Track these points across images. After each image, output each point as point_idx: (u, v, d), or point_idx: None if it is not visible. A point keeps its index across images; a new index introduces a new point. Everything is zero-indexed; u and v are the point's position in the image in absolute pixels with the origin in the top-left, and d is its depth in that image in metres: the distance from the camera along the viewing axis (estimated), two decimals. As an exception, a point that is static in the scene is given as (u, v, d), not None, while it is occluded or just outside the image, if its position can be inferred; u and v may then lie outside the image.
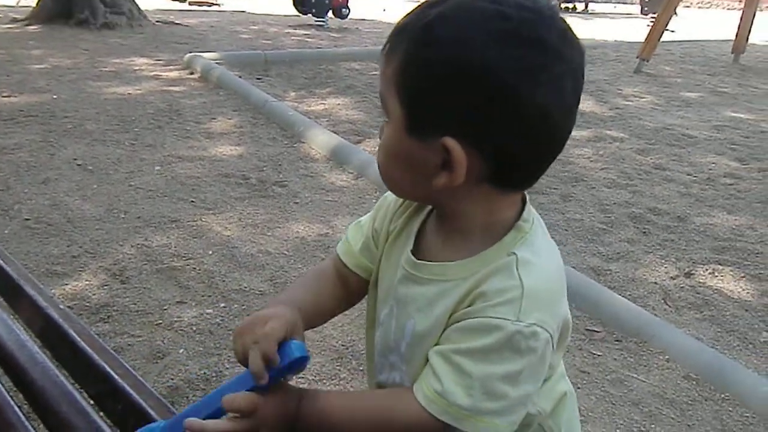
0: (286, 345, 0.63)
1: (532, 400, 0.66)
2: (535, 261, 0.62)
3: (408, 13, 0.62)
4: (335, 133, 3.80)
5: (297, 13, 9.20)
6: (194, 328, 1.93)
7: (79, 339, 0.94)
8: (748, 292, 2.37)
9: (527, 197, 0.68)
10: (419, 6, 0.61)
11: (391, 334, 0.71)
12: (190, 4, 11.50)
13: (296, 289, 0.82)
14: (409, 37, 0.59)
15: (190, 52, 5.67)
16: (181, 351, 1.82)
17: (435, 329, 0.65)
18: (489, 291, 0.60)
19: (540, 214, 2.67)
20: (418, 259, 0.68)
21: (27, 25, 7.07)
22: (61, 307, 1.04)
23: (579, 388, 1.81)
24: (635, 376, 1.87)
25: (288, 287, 0.84)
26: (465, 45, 0.56)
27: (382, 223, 0.76)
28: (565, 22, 0.60)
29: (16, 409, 0.88)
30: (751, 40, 7.94)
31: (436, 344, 0.65)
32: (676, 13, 8.79)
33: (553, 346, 0.62)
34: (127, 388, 0.84)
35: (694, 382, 1.85)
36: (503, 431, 0.61)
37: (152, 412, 0.79)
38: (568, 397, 0.76)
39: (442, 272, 0.65)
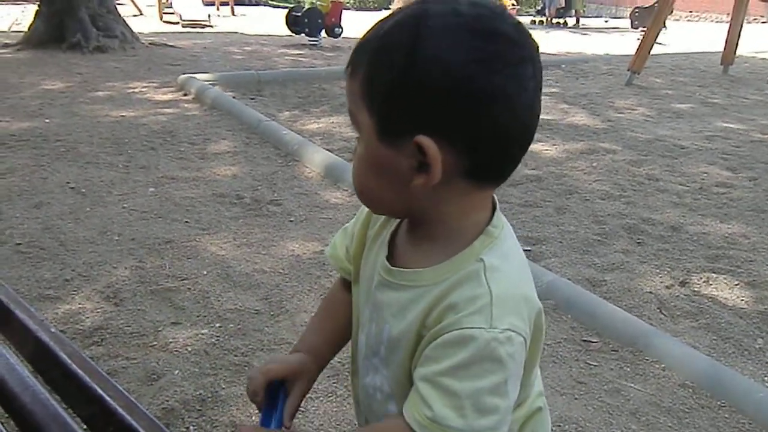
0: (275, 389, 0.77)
1: None
2: (502, 266, 0.63)
3: (366, 32, 0.64)
4: (329, 151, 3.82)
5: (290, 33, 9.31)
6: (189, 349, 1.92)
7: (70, 362, 0.94)
8: (742, 300, 2.37)
9: (497, 204, 0.69)
10: (376, 24, 0.64)
11: (373, 338, 0.73)
12: (183, 26, 11.63)
13: (308, 332, 0.87)
14: (369, 50, 0.62)
15: (184, 74, 5.71)
16: (176, 372, 1.81)
17: (408, 334, 0.66)
18: (459, 301, 0.61)
19: (535, 226, 2.69)
20: (393, 266, 0.69)
21: (19, 50, 7.11)
22: (53, 330, 1.03)
23: (576, 398, 1.80)
24: (632, 385, 1.87)
25: (305, 330, 0.89)
26: (421, 44, 0.58)
27: (363, 228, 0.78)
28: (516, 18, 0.63)
29: (7, 434, 0.87)
30: (739, 51, 8.05)
31: (409, 353, 0.66)
32: (665, 27, 8.93)
33: (527, 350, 0.63)
34: (119, 410, 0.84)
35: (691, 390, 1.85)
36: None
37: (144, 434, 0.78)
38: (542, 415, 0.76)
39: (416, 278, 0.66)
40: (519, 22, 0.62)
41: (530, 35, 0.62)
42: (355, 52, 0.64)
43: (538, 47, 0.62)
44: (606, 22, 18.21)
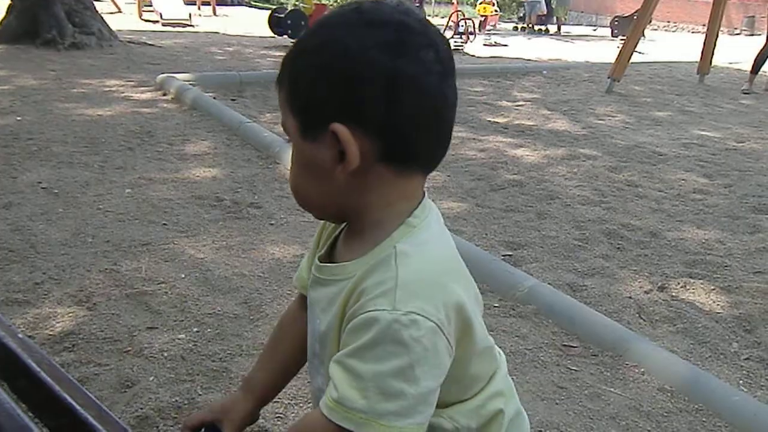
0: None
1: (450, 415, 0.68)
2: (414, 253, 0.64)
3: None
4: (311, 153, 3.79)
5: (272, 35, 9.25)
6: (165, 355, 1.87)
7: (38, 369, 0.90)
8: (718, 304, 2.41)
9: (425, 195, 0.70)
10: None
11: (310, 339, 0.74)
12: (163, 25, 11.47)
13: (255, 367, 0.93)
14: (289, 61, 0.67)
15: (163, 73, 5.62)
16: (151, 379, 1.76)
17: (332, 326, 0.67)
18: (369, 286, 0.63)
19: (516, 231, 2.68)
20: (325, 263, 0.72)
21: (-10, 45, 6.94)
22: (20, 336, 0.99)
23: (557, 403, 1.80)
24: (612, 390, 1.88)
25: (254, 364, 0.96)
26: (326, 41, 0.64)
27: (317, 238, 0.80)
28: (420, 14, 0.67)
29: (-31, 446, 0.83)
30: (714, 61, 8.25)
31: (336, 344, 0.66)
32: (644, 36, 9.10)
33: (448, 340, 0.62)
34: (90, 419, 0.80)
35: (669, 394, 1.87)
36: None
37: (116, 444, 0.75)
38: (505, 418, 0.74)
39: (340, 271, 0.68)
40: (423, 17, 0.66)
41: (435, 28, 0.66)
42: (280, 67, 0.68)
43: (444, 39, 0.66)
44: (595, 30, 18.43)
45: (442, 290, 0.63)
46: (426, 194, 0.70)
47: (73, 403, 0.83)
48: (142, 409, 1.64)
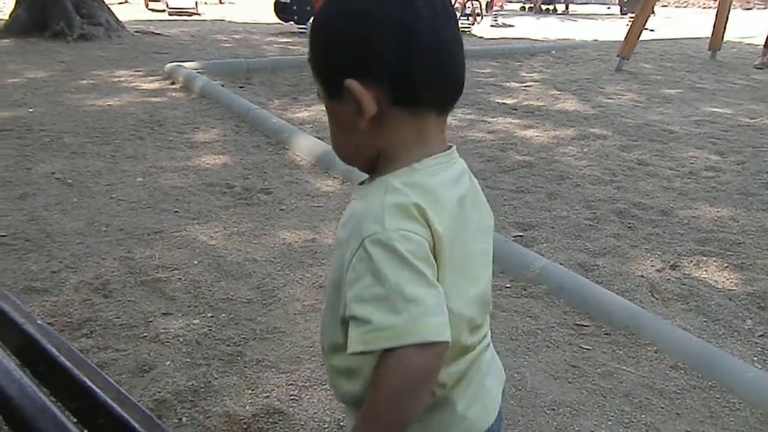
0: None
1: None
2: (403, 188, 0.68)
3: None
4: (320, 139, 3.79)
5: (279, 21, 9.20)
6: (181, 340, 1.90)
7: (58, 354, 0.92)
8: (731, 282, 2.39)
9: (450, 150, 0.74)
10: None
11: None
12: (169, 14, 11.45)
13: None
14: (309, 38, 0.75)
15: (171, 62, 5.63)
16: (167, 363, 1.79)
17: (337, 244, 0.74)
18: (360, 212, 0.68)
19: (527, 212, 2.67)
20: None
21: (0, 38, 6.97)
22: (39, 322, 1.01)
23: (570, 382, 1.81)
24: (625, 368, 1.88)
25: None
26: (328, 7, 0.72)
27: None
28: None
29: (-7, 428, 0.85)
30: (726, 37, 8.08)
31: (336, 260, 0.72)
32: (653, 13, 8.93)
33: (433, 254, 0.66)
34: (109, 401, 0.82)
35: (682, 372, 1.87)
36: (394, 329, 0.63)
37: (136, 425, 0.77)
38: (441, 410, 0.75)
39: (355, 192, 0.75)
40: None
41: None
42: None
43: None
44: (609, 9, 18.08)
45: (422, 215, 0.67)
46: (452, 150, 0.75)
47: (93, 386, 0.85)
48: (159, 392, 1.67)
